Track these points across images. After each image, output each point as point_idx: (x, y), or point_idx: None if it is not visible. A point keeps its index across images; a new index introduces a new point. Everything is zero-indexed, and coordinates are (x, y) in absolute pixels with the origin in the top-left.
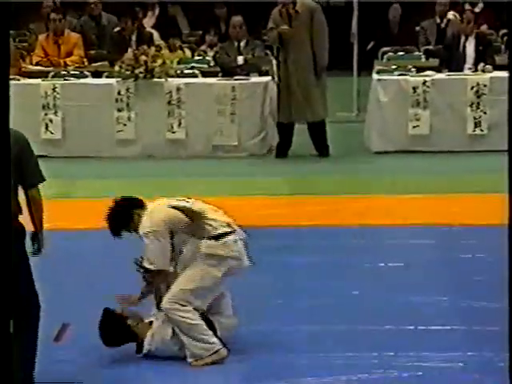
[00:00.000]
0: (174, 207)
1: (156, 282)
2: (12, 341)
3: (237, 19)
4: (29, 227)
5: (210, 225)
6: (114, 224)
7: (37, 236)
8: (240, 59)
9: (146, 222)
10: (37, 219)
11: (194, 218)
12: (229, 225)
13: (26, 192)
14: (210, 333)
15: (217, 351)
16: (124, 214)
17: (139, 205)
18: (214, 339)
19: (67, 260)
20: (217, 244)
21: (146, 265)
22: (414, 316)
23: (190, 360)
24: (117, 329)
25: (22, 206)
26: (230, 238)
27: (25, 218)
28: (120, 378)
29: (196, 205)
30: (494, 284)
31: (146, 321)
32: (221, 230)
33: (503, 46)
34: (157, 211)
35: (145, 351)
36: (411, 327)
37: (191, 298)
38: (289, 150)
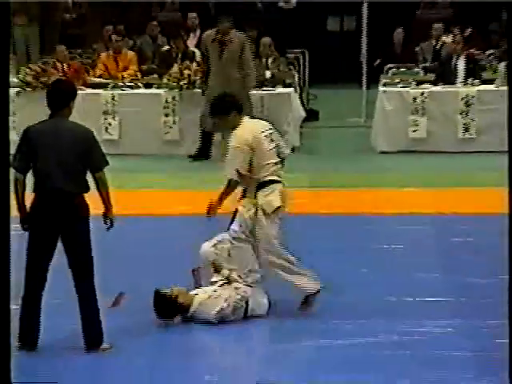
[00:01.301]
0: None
1: (244, 182)
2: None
3: (266, 40)
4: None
5: (268, 169)
6: (218, 105)
7: (108, 214)
8: (268, 73)
9: (235, 137)
10: (105, 197)
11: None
12: (279, 176)
13: (93, 175)
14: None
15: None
16: (226, 104)
17: (239, 109)
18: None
19: (122, 240)
20: (269, 198)
21: (228, 176)
22: (413, 289)
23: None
24: (168, 307)
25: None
26: (279, 186)
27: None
28: (163, 340)
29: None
30: (483, 263)
31: (192, 292)
32: (271, 177)
33: (488, 64)
34: (248, 130)
35: (189, 314)
36: (410, 299)
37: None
38: (209, 152)
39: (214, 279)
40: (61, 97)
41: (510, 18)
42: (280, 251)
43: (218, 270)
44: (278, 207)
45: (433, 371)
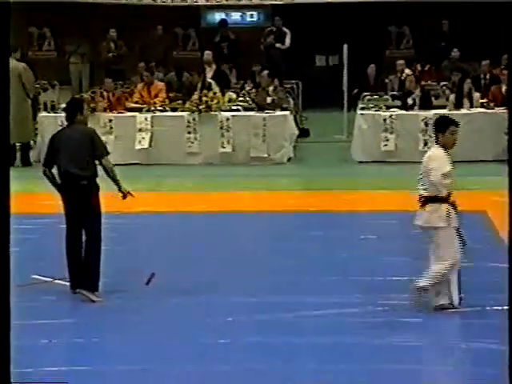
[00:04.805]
0: None
1: None
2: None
3: (265, 72)
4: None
5: None
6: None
7: (121, 189)
8: (269, 99)
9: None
10: (113, 178)
11: None
12: None
13: (100, 162)
14: None
15: None
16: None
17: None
18: None
19: (154, 228)
20: None
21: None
22: (384, 270)
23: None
24: None
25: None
26: None
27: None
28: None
29: None
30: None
31: None
32: None
33: (442, 93)
34: None
35: None
36: (381, 278)
37: None
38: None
39: None
40: (69, 110)
41: (510, 19)
42: None
43: None
44: None
45: (400, 334)
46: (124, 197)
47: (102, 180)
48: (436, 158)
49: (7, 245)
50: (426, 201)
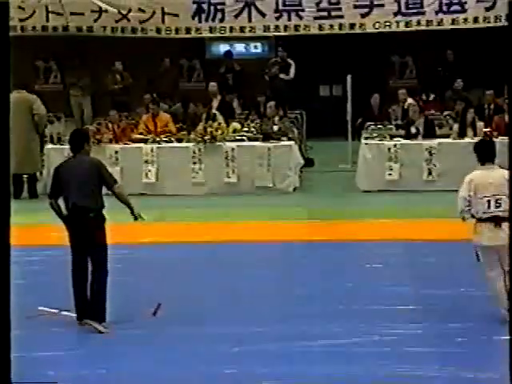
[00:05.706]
0: None
1: None
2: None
3: (272, 103)
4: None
5: None
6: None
7: (133, 213)
8: (275, 128)
9: None
10: (126, 203)
11: None
12: None
13: (112, 190)
14: None
15: None
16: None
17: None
18: None
19: (160, 259)
20: None
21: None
22: (390, 299)
23: None
24: None
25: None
26: None
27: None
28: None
29: None
30: (443, 278)
31: None
32: None
33: (446, 122)
34: None
35: None
36: (387, 307)
37: None
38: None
39: None
40: (76, 142)
41: (511, 20)
42: None
43: None
44: None
45: (406, 364)
46: (135, 218)
47: (107, 211)
48: None
49: (8, 275)
50: (501, 221)
